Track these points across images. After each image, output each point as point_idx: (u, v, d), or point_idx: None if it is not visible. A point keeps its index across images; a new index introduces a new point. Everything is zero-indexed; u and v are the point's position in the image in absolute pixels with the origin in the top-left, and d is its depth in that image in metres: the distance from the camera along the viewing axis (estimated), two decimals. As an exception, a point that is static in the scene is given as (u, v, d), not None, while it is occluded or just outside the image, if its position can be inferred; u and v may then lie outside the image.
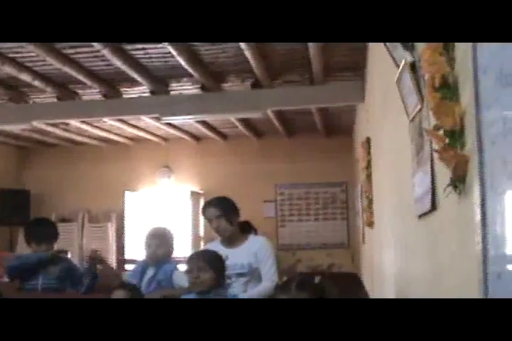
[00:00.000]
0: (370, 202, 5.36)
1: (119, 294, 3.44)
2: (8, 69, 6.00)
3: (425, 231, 2.29)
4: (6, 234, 10.04)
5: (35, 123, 7.51)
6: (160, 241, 4.21)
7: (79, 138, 9.71)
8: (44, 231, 4.61)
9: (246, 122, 8.65)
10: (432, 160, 2.02)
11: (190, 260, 3.49)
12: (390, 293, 3.80)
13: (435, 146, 1.75)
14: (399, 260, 3.35)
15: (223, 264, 3.52)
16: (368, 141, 5.51)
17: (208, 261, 3.41)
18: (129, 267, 6.66)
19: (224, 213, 4.02)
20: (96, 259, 4.46)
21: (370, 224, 5.37)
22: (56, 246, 4.71)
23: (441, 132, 1.66)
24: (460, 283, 1.72)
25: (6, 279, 4.31)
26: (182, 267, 4.54)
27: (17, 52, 5.73)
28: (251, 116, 7.48)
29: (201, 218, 4.43)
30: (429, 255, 2.24)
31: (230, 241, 4.08)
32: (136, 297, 3.48)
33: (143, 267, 4.25)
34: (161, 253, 4.18)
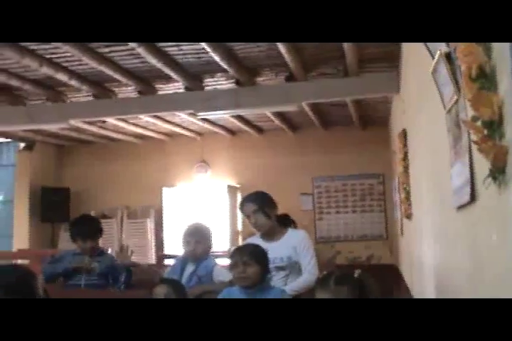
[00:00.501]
0: (408, 193, 5.32)
1: (161, 290, 3.46)
2: (46, 70, 6.08)
3: (464, 223, 2.27)
4: (48, 231, 10.21)
5: (73, 122, 7.60)
6: (199, 237, 4.23)
7: (115, 136, 9.81)
8: (89, 228, 4.67)
9: (281, 115, 8.64)
10: (470, 152, 2.00)
11: (235, 254, 3.48)
12: (429, 285, 3.78)
13: (473, 137, 1.73)
14: (438, 252, 3.32)
15: (267, 258, 3.52)
16: (404, 132, 5.47)
17: (253, 256, 3.41)
18: (168, 262, 6.71)
19: (261, 208, 4.03)
20: (127, 265, 4.50)
21: (408, 215, 5.33)
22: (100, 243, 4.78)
23: (479, 123, 1.64)
24: (501, 275, 1.70)
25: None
26: (220, 262, 4.57)
27: (53, 53, 5.80)
28: (286, 109, 7.47)
29: (239, 212, 4.44)
30: (468, 246, 2.22)
31: (269, 235, 4.08)
32: (179, 292, 3.49)
33: (182, 263, 4.28)
34: (200, 250, 4.20)
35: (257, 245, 3.64)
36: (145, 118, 8.37)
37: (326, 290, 2.35)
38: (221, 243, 8.84)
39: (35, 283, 2.47)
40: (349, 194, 9.62)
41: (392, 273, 7.30)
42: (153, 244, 9.97)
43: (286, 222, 4.44)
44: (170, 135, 10.07)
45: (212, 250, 4.41)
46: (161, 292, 3.44)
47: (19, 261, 8.28)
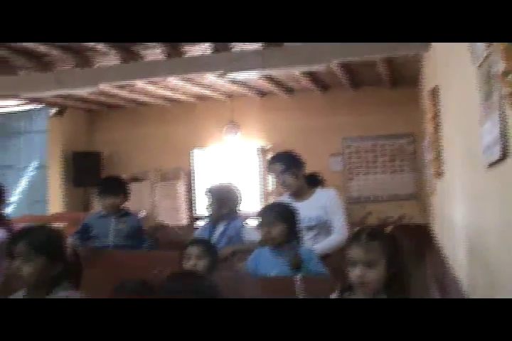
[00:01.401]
0: (438, 152, 5.25)
1: (192, 250, 3.47)
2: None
3: (495, 181, 2.24)
4: (81, 195, 10.34)
5: (102, 86, 7.61)
6: (225, 198, 4.24)
7: (145, 99, 9.82)
8: (112, 185, 4.70)
9: (310, 76, 8.55)
10: (501, 107, 1.96)
11: (261, 214, 3.46)
12: (460, 245, 3.76)
13: (505, 92, 1.69)
14: (469, 211, 3.29)
15: (295, 217, 3.47)
16: (435, 90, 5.38)
17: (278, 215, 3.38)
18: (199, 224, 6.77)
19: (288, 168, 4.01)
20: (154, 226, 4.53)
21: (439, 175, 5.28)
22: (127, 204, 4.80)
23: (510, 77, 1.61)
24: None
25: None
26: (251, 222, 4.59)
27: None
28: (314, 69, 7.38)
29: (270, 174, 4.42)
30: (500, 205, 2.19)
31: (297, 195, 4.07)
32: (210, 252, 3.49)
33: (212, 224, 4.30)
34: (227, 210, 4.21)
35: (283, 204, 3.60)
36: (173, 81, 8.35)
37: (357, 246, 2.33)
38: (252, 204, 8.88)
39: (64, 243, 2.51)
40: (379, 154, 9.55)
41: (423, 233, 7.27)
42: (184, 206, 10.05)
43: (315, 181, 4.41)
44: (199, 97, 10.05)
45: (242, 210, 4.42)
46: (192, 252, 3.45)
47: (54, 225, 8.42)
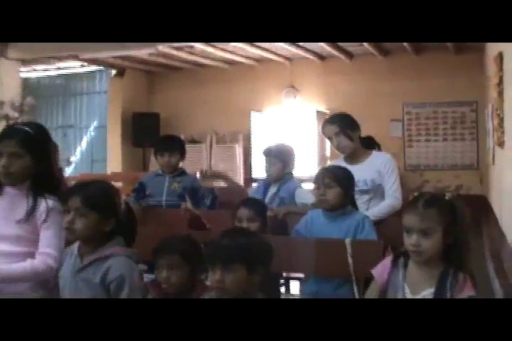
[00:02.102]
0: (501, 120, 5.11)
1: (243, 212, 3.48)
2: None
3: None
4: (139, 156, 10.48)
5: (160, 48, 7.63)
6: (281, 158, 4.22)
7: (204, 61, 9.81)
8: (169, 143, 4.73)
9: (371, 40, 8.39)
10: None
11: (317, 176, 3.40)
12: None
13: None
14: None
15: (351, 180, 3.42)
16: (500, 55, 5.21)
17: (334, 178, 3.32)
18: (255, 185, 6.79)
19: (342, 129, 3.95)
20: (216, 176, 4.51)
21: (501, 144, 5.14)
22: (184, 166, 4.82)
23: None
24: None
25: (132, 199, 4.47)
26: (305, 186, 4.57)
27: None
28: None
29: (323, 135, 4.36)
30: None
31: (352, 158, 4.01)
32: (261, 214, 3.49)
33: (265, 185, 4.30)
34: (282, 170, 4.20)
35: (340, 167, 3.53)
36: (233, 43, 8.30)
37: (414, 213, 2.27)
38: (308, 169, 8.85)
39: (118, 200, 2.53)
40: (440, 121, 9.35)
41: (481, 204, 7.14)
42: (241, 168, 10.08)
43: (370, 144, 4.33)
44: (258, 60, 9.99)
45: (298, 173, 4.39)
46: (243, 214, 3.45)
47: (113, 184, 8.56)
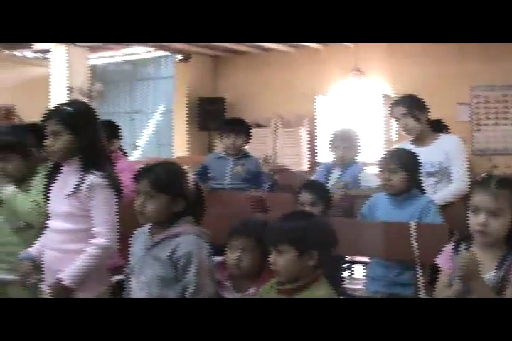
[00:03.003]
0: None
1: (305, 196, 3.46)
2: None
3: None
4: (205, 139, 10.59)
5: (226, 31, 7.65)
6: (348, 143, 4.19)
7: (269, 45, 9.79)
8: (234, 124, 4.75)
9: (439, 20, 8.21)
10: None
11: (382, 160, 3.36)
12: None
13: None
14: None
15: (417, 164, 3.37)
16: None
17: (400, 162, 3.27)
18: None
19: (410, 111, 3.89)
20: (274, 170, 4.51)
21: None
22: (249, 150, 4.84)
23: None
24: None
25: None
26: (372, 170, 4.54)
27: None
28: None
29: (393, 121, 4.30)
30: None
31: (419, 140, 3.96)
32: (322, 198, 3.47)
33: (328, 168, 4.27)
34: (348, 155, 4.17)
35: (406, 150, 3.47)
36: (297, 26, 8.25)
37: (485, 193, 2.18)
38: (375, 153, 8.76)
39: (186, 181, 2.56)
40: (510, 105, 9.09)
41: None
42: (306, 152, 10.05)
43: (438, 126, 4.24)
44: (323, 43, 9.91)
45: (363, 158, 4.36)
46: (305, 198, 3.44)
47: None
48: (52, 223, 2.73)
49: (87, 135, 2.68)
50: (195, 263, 2.40)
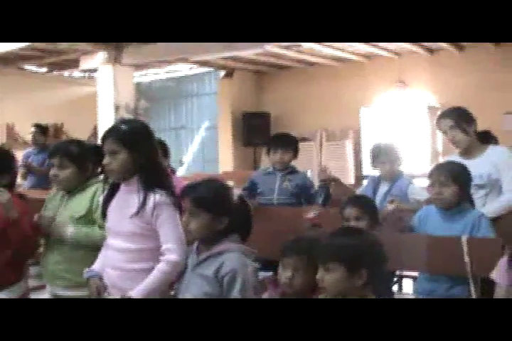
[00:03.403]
0: None
1: (350, 211, 3.41)
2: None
3: None
4: (250, 155, 10.62)
5: (268, 47, 7.69)
6: (391, 156, 4.15)
7: (312, 59, 9.82)
8: (281, 140, 4.74)
9: (483, 29, 8.12)
10: None
11: (432, 173, 3.30)
12: None
13: None
14: None
15: (468, 177, 3.30)
16: None
17: (451, 175, 3.21)
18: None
19: (458, 123, 3.85)
20: (327, 179, 4.46)
21: None
22: (296, 164, 4.82)
23: None
24: None
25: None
26: (419, 183, 4.48)
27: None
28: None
29: (439, 133, 4.25)
30: None
31: (468, 152, 3.91)
32: (369, 212, 3.42)
33: (375, 183, 4.24)
34: (393, 168, 4.14)
35: (458, 163, 3.41)
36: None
37: None
38: (421, 164, 8.69)
39: (229, 198, 2.55)
40: (558, 112, 8.94)
41: None
42: (352, 165, 10.01)
43: (487, 138, 4.19)
44: (367, 56, 9.89)
45: (408, 169, 4.32)
46: (350, 213, 3.39)
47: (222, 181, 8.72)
48: (112, 242, 2.75)
49: (144, 153, 2.70)
50: (240, 281, 2.40)
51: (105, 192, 2.87)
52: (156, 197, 2.63)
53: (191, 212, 2.47)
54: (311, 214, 3.87)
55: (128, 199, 2.70)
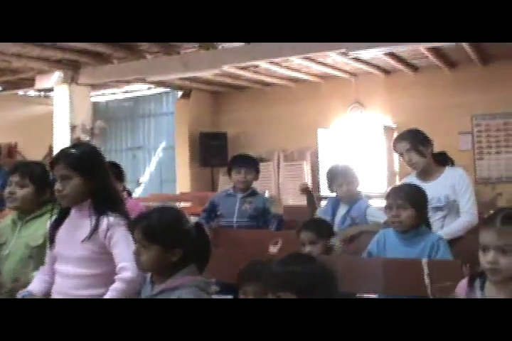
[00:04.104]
0: None
1: (305, 236, 3.40)
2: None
3: None
4: (207, 175, 10.58)
5: (226, 68, 7.70)
6: (348, 178, 4.16)
7: (269, 80, 9.87)
8: (245, 160, 4.72)
9: (437, 52, 8.26)
10: None
11: (389, 196, 3.29)
12: None
13: None
14: None
15: (425, 200, 3.31)
16: None
17: (408, 198, 3.20)
18: (324, 203, 6.75)
19: (414, 146, 3.89)
20: (308, 192, 4.46)
21: None
22: (254, 185, 4.80)
23: None
24: None
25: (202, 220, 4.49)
26: (376, 203, 4.51)
27: None
28: (441, 44, 7.11)
29: (395, 153, 4.29)
30: None
31: (425, 174, 3.94)
32: (324, 234, 3.41)
33: (334, 204, 4.24)
34: (351, 189, 4.15)
35: (415, 186, 3.42)
36: (297, 61, 8.32)
37: (491, 230, 2.14)
38: (378, 184, 8.75)
39: (184, 226, 2.43)
40: (511, 133, 9.13)
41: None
42: (309, 186, 10.02)
43: (443, 160, 4.24)
44: (323, 77, 9.98)
45: (365, 190, 4.34)
46: (305, 237, 3.37)
47: (182, 204, 8.68)
48: (61, 268, 2.68)
49: (96, 177, 2.67)
50: None
51: (54, 217, 2.79)
52: (109, 219, 2.60)
53: (142, 243, 2.34)
54: (274, 249, 3.84)
55: (79, 223, 2.66)
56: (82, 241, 2.59)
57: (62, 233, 2.71)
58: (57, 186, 2.63)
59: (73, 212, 2.71)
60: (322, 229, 3.47)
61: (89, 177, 2.64)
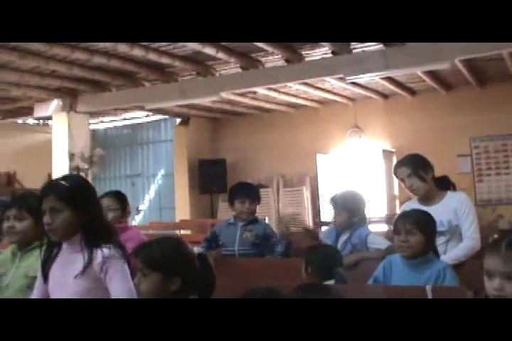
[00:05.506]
0: None
1: (312, 255, 3.39)
2: (193, 45, 6.19)
3: None
4: (207, 202, 10.54)
5: (224, 95, 7.72)
6: (347, 208, 4.13)
7: (268, 106, 9.90)
8: (248, 189, 4.71)
9: (434, 75, 8.30)
10: None
11: (398, 221, 3.26)
12: None
13: None
14: None
15: (434, 226, 3.28)
16: None
17: (416, 224, 3.17)
18: (325, 229, 6.71)
19: (415, 171, 3.87)
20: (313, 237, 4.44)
21: None
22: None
23: None
24: None
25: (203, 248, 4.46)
26: (376, 228, 4.48)
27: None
28: (438, 67, 7.13)
29: (395, 177, 4.27)
30: None
31: (426, 199, 3.92)
32: (334, 257, 3.40)
33: (337, 230, 4.22)
34: (349, 219, 4.12)
35: (424, 211, 3.37)
36: (295, 87, 8.35)
37: (496, 255, 2.11)
38: (378, 208, 8.73)
39: (184, 255, 2.44)
40: (510, 154, 9.12)
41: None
42: (309, 211, 10.01)
43: (445, 184, 4.21)
44: (322, 102, 10.01)
45: (367, 216, 4.31)
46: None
47: (182, 231, 8.65)
48: None
49: (88, 209, 2.57)
50: None
51: (44, 252, 2.69)
52: (103, 252, 2.50)
53: (142, 272, 2.35)
54: None
55: (71, 258, 2.55)
56: (75, 278, 2.48)
57: (54, 268, 2.62)
58: (46, 219, 2.52)
59: (64, 246, 2.61)
60: (332, 254, 3.45)
61: (81, 209, 2.54)
